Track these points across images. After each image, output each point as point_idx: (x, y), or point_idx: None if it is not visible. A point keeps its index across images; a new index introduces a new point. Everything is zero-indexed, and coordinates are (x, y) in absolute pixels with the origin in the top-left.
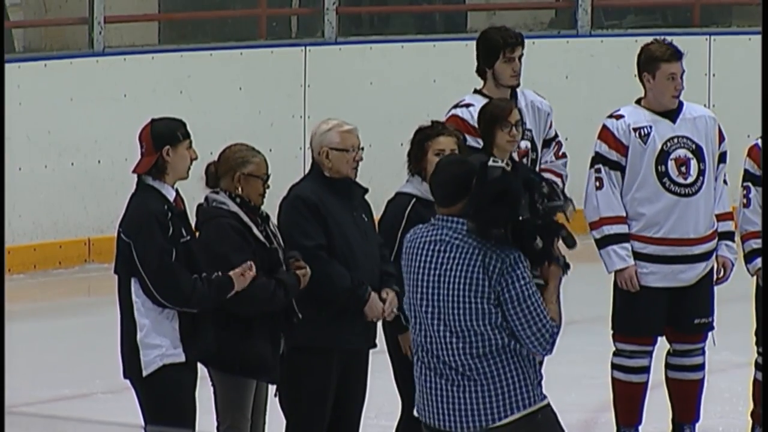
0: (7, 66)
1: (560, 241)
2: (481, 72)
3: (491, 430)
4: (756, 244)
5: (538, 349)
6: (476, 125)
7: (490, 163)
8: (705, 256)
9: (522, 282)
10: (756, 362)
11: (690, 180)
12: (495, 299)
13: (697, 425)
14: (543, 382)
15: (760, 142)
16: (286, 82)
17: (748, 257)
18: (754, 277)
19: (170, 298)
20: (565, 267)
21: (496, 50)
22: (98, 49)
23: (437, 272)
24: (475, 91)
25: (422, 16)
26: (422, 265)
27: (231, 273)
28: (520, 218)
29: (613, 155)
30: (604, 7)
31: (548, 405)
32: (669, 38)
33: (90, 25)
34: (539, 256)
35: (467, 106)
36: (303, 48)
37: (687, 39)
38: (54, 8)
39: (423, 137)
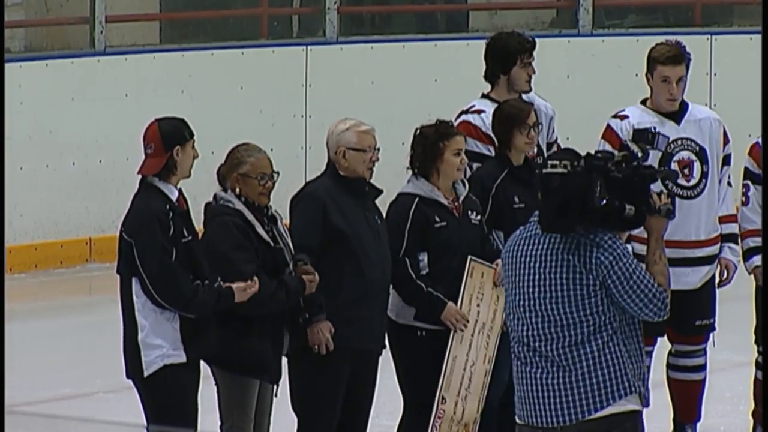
0: (8, 65)
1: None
2: (491, 77)
3: (584, 424)
4: (754, 242)
5: (653, 318)
6: (489, 132)
7: (548, 170)
8: (708, 260)
9: (621, 263)
10: (756, 361)
11: (693, 182)
12: (592, 284)
13: (698, 425)
14: (648, 380)
15: (760, 140)
16: (288, 82)
17: (746, 255)
18: (752, 276)
19: (168, 299)
20: (667, 214)
21: (513, 56)
22: (99, 48)
23: (531, 263)
24: (483, 96)
25: (424, 15)
26: (518, 258)
27: (234, 285)
28: (601, 204)
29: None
30: (606, 7)
31: (640, 413)
32: (671, 38)
33: (91, 24)
34: (635, 221)
35: (479, 112)
36: (304, 47)
37: (688, 38)
38: (55, 7)
39: (438, 137)
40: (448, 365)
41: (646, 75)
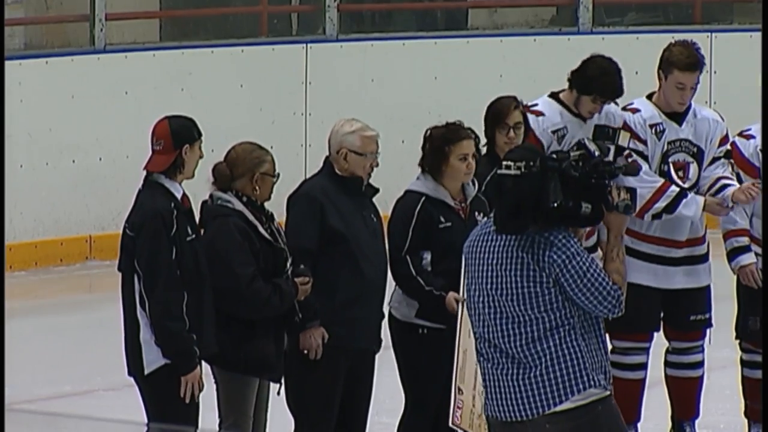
0: (8, 63)
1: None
2: (569, 82)
3: (550, 417)
4: (738, 242)
5: (607, 314)
6: (541, 138)
7: (502, 171)
8: (700, 259)
9: (575, 261)
10: (741, 359)
11: (689, 184)
12: (546, 281)
13: (696, 422)
14: (610, 372)
15: (738, 140)
16: (288, 80)
17: (731, 255)
18: (735, 275)
19: (152, 301)
20: (626, 209)
21: (592, 90)
22: (99, 46)
23: (488, 260)
24: (552, 95)
25: (423, 13)
26: (477, 255)
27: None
28: (554, 206)
29: (639, 146)
30: (606, 4)
31: (609, 396)
32: (673, 35)
33: (91, 22)
34: (592, 218)
35: (538, 114)
36: (304, 45)
37: (688, 36)
38: (55, 5)
39: (443, 141)
40: (460, 358)
41: (658, 72)
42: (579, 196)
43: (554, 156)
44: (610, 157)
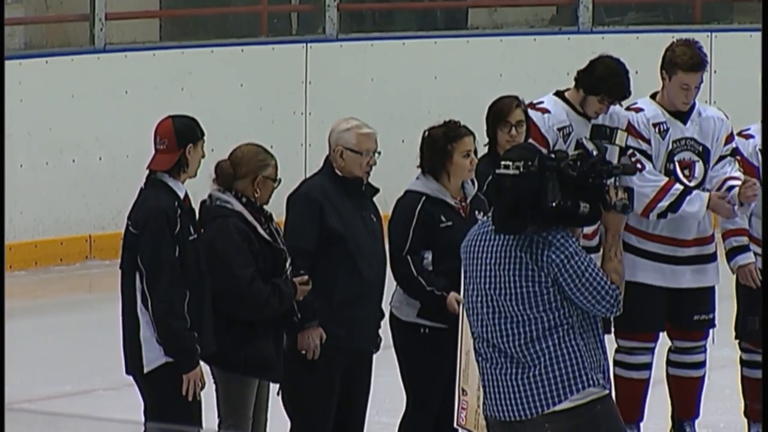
0: (8, 63)
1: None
2: (576, 82)
3: (549, 417)
4: (737, 241)
5: (605, 314)
6: (547, 135)
7: (500, 171)
8: (709, 258)
9: (573, 261)
10: (741, 359)
11: (694, 183)
12: (545, 281)
13: (696, 421)
14: (608, 371)
15: (737, 139)
16: (287, 79)
17: (729, 255)
18: (734, 275)
19: (155, 299)
20: (624, 209)
21: (599, 90)
22: (99, 45)
23: (487, 260)
24: (557, 93)
25: (423, 12)
26: (475, 254)
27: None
28: (552, 205)
29: (643, 146)
30: (606, 4)
31: (608, 395)
32: (673, 35)
33: (91, 21)
34: (590, 218)
35: (543, 111)
36: (304, 45)
37: (688, 35)
38: (55, 4)
39: (446, 140)
40: (462, 359)
41: (661, 72)
42: (577, 195)
43: (552, 155)
44: (614, 157)
